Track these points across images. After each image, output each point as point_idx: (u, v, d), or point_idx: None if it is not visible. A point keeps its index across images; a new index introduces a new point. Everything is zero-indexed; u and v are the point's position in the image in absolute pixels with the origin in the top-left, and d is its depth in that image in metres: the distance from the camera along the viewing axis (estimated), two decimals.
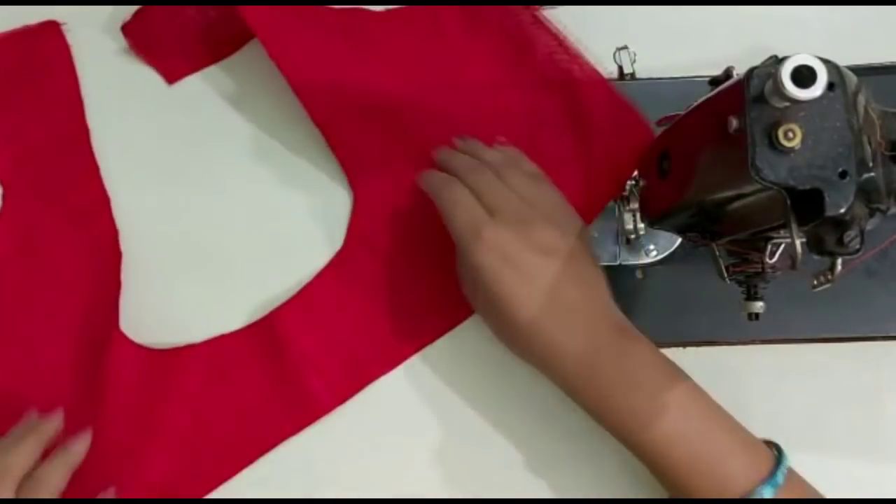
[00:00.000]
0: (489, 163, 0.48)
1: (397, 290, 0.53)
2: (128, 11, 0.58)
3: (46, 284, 0.53)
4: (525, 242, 0.44)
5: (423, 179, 0.49)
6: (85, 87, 0.58)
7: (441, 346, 0.53)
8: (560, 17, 0.58)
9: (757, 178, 0.32)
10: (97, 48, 0.59)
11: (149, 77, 0.58)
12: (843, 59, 0.33)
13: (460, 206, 0.45)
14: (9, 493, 0.44)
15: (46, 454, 0.47)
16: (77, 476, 0.47)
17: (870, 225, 0.36)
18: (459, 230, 0.45)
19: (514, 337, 0.45)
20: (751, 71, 0.33)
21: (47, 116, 0.56)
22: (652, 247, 0.52)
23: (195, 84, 0.58)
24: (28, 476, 0.45)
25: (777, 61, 0.31)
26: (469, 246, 0.44)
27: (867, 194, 0.34)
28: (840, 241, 0.33)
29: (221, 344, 0.52)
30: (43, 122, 0.56)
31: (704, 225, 0.42)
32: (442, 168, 0.49)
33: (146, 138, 0.57)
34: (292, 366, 0.51)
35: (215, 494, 0.51)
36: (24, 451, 0.46)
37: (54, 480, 0.46)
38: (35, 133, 0.56)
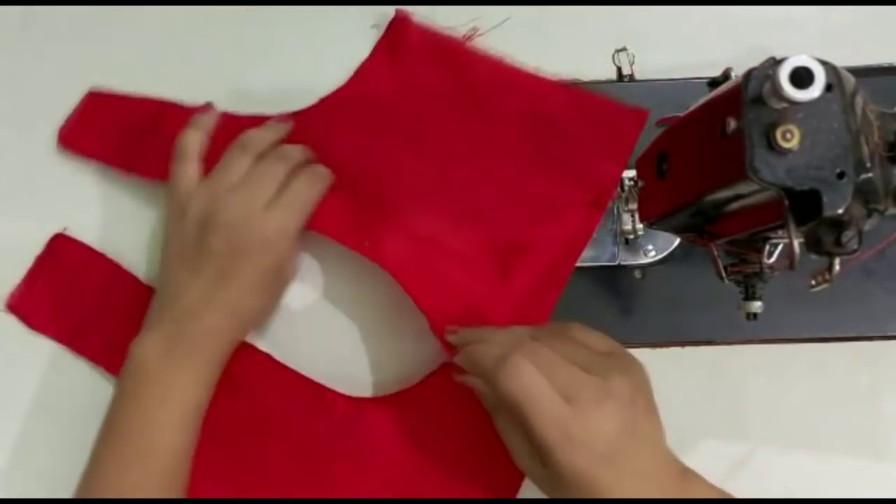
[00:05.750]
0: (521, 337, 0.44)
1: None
2: None
3: None
4: (616, 429, 0.40)
5: (467, 358, 0.45)
6: (83, 89, 0.58)
7: None
8: (559, 18, 0.58)
9: (755, 178, 0.32)
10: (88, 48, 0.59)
11: (146, 76, 0.58)
12: (841, 61, 0.33)
13: (539, 400, 0.40)
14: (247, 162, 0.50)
15: None
16: None
17: (868, 225, 0.36)
18: (544, 432, 0.39)
19: None
20: (749, 72, 0.33)
21: None
22: (651, 247, 0.52)
23: (195, 83, 0.58)
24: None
25: (775, 63, 0.31)
26: (558, 449, 0.39)
27: (865, 195, 0.34)
28: (838, 242, 0.33)
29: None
30: None
31: (703, 225, 0.42)
32: (469, 352, 0.45)
33: None
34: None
35: None
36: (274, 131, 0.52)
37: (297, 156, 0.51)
38: None
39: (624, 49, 0.55)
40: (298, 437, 0.51)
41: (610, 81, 0.55)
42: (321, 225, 0.51)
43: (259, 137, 0.51)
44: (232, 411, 0.51)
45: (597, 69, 0.55)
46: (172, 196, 0.51)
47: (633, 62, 0.54)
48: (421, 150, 0.54)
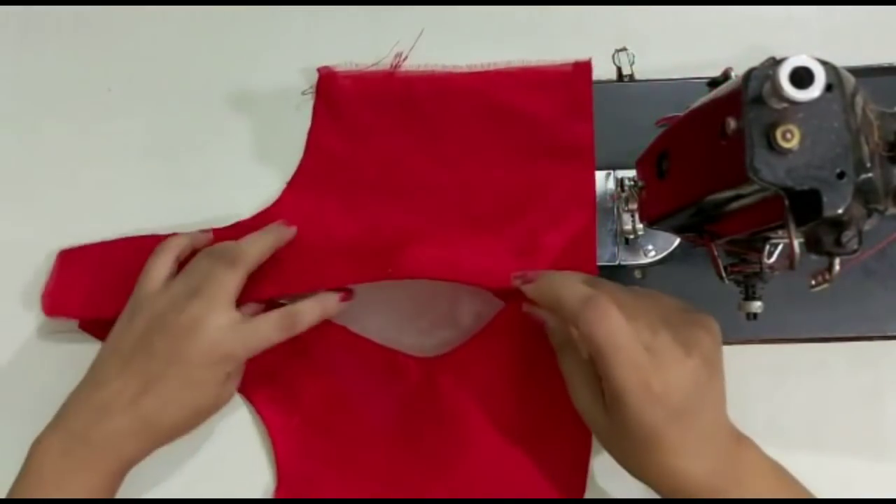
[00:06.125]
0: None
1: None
2: None
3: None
4: (692, 386, 0.40)
5: (546, 291, 0.44)
6: (83, 89, 0.58)
7: None
8: (559, 18, 0.58)
9: (755, 178, 0.32)
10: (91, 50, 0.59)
11: (146, 76, 0.58)
12: (841, 60, 0.33)
13: (622, 346, 0.39)
14: (241, 276, 0.47)
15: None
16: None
17: (868, 225, 0.36)
18: (623, 380, 0.39)
19: (643, 467, 0.41)
20: (749, 72, 0.33)
21: None
22: (650, 247, 0.52)
23: (195, 83, 0.58)
24: None
25: (775, 62, 0.31)
26: (633, 400, 0.39)
27: (865, 195, 0.34)
28: (838, 242, 0.33)
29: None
30: None
31: (703, 225, 0.42)
32: (549, 286, 0.44)
33: (146, 137, 0.57)
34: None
35: None
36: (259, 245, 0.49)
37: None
38: None
39: (624, 49, 0.55)
40: (382, 405, 0.52)
41: (610, 81, 0.55)
42: (337, 282, 0.50)
43: (232, 245, 0.49)
44: (318, 389, 0.52)
45: (597, 69, 0.55)
46: (135, 292, 0.48)
47: (633, 62, 0.54)
48: (404, 188, 0.54)
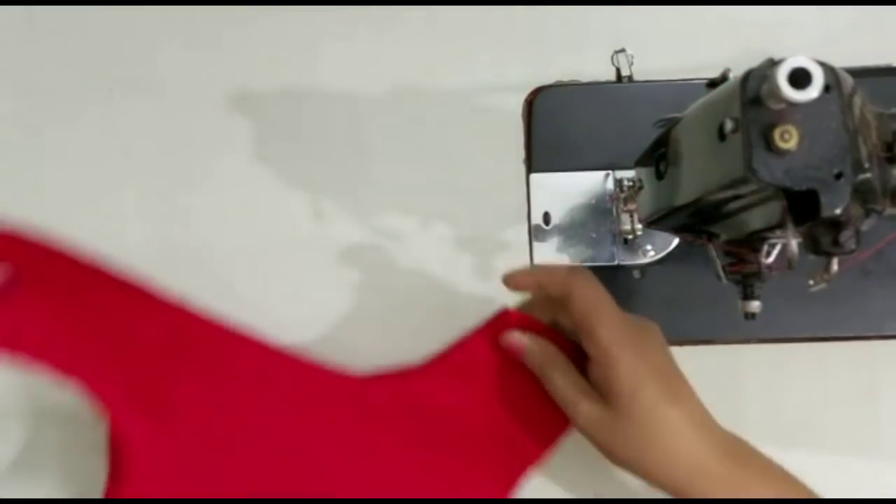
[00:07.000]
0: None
1: None
2: None
3: None
4: (673, 368, 0.44)
5: (535, 274, 0.48)
6: (84, 89, 0.58)
7: None
8: (558, 19, 0.58)
9: (753, 179, 0.32)
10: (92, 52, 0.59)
11: (146, 77, 0.59)
12: (840, 61, 0.33)
13: (613, 308, 0.44)
14: None
15: None
16: None
17: (865, 225, 0.36)
18: (615, 338, 0.43)
19: (647, 456, 0.42)
20: (747, 73, 0.33)
21: None
22: (649, 247, 0.53)
23: (195, 85, 0.58)
24: None
25: (773, 63, 0.31)
26: (628, 359, 0.42)
27: (863, 195, 0.34)
28: (836, 242, 0.34)
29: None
30: None
31: (701, 225, 0.42)
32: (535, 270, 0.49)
33: (148, 138, 0.58)
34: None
35: None
36: None
37: None
38: None
39: (623, 50, 0.55)
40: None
41: (609, 83, 0.55)
42: None
43: None
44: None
45: (596, 70, 0.55)
46: None
47: (633, 63, 0.54)
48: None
